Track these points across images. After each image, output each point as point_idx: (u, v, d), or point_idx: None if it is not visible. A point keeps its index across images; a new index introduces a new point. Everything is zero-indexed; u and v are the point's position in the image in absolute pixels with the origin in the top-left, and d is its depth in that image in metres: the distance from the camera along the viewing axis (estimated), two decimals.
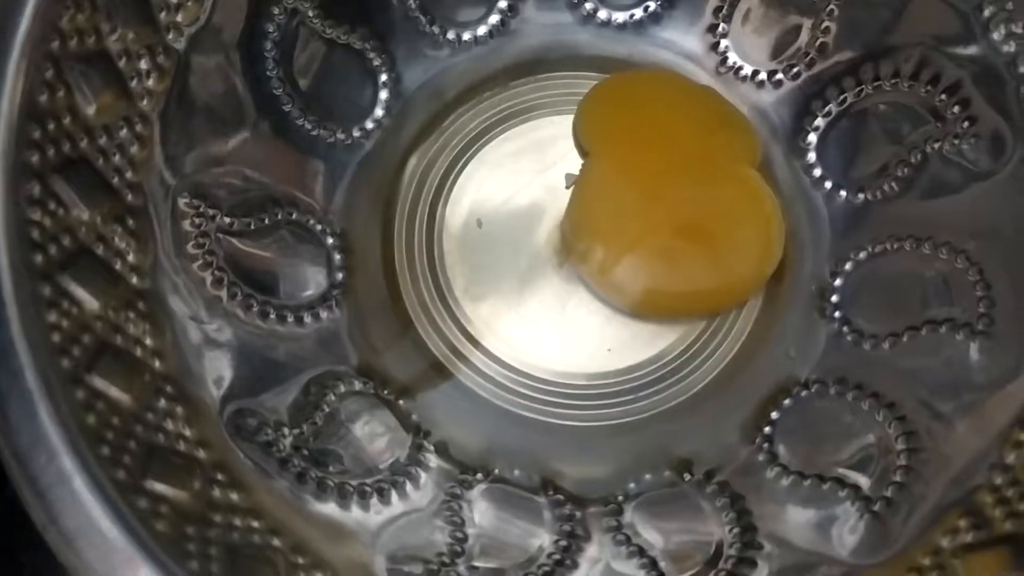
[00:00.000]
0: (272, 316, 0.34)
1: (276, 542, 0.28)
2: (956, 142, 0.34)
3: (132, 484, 0.26)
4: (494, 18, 0.39)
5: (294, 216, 0.35)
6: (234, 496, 0.28)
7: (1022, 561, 0.27)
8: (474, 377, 0.36)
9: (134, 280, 0.30)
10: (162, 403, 0.29)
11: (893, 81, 0.35)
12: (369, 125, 0.38)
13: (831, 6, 0.36)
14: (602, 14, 0.39)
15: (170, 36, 0.32)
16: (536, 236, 0.37)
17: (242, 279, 0.33)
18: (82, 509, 0.25)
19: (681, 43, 0.39)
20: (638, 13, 0.39)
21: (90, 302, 0.28)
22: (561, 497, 0.33)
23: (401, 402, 0.35)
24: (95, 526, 0.24)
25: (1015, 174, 0.33)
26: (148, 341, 0.30)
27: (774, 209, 0.35)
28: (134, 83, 0.31)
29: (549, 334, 0.36)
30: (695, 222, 0.35)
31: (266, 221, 0.35)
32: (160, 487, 0.26)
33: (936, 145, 0.34)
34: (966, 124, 0.34)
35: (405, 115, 0.38)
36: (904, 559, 0.29)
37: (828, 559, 0.30)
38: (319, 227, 0.36)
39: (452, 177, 0.38)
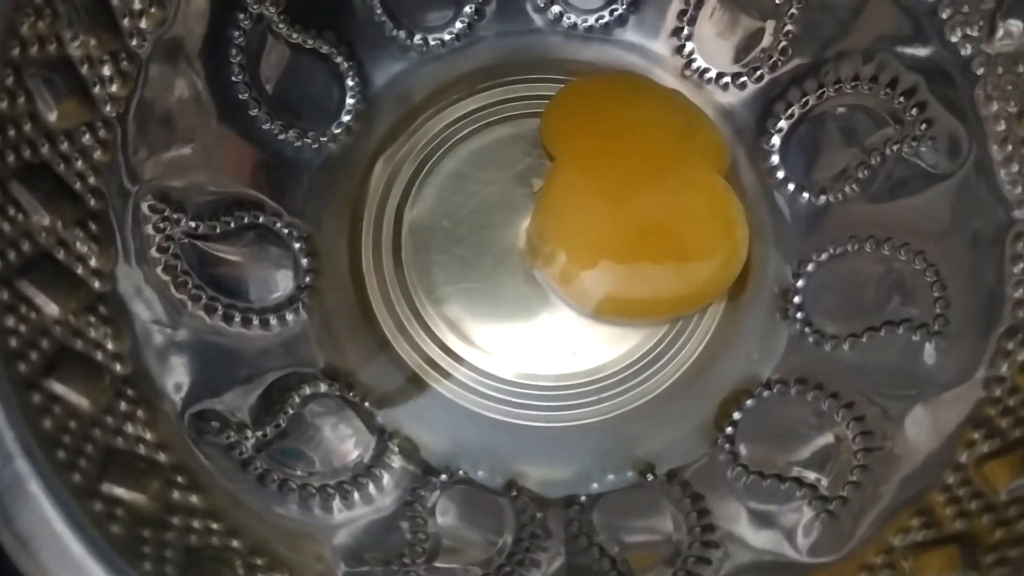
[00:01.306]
0: (237, 319, 0.34)
1: (235, 543, 0.29)
2: (914, 144, 0.34)
3: (88, 487, 0.26)
4: (460, 22, 0.39)
5: (260, 219, 0.36)
6: (193, 498, 0.29)
7: (971, 560, 0.28)
8: (439, 379, 0.36)
9: (96, 284, 0.30)
10: (122, 406, 0.29)
11: (853, 84, 0.36)
12: (336, 129, 0.38)
13: (792, 9, 0.36)
14: (568, 18, 0.40)
15: (133, 42, 0.32)
16: (502, 240, 0.37)
17: (207, 282, 0.34)
18: (37, 512, 0.25)
19: (646, 46, 0.40)
20: (604, 16, 0.40)
21: (50, 307, 0.28)
22: (524, 498, 0.34)
23: (366, 404, 0.35)
24: (50, 529, 0.25)
25: (970, 175, 0.33)
26: (109, 345, 0.30)
27: (739, 214, 0.36)
28: (96, 89, 0.31)
29: (514, 336, 0.37)
30: (660, 227, 0.35)
31: (232, 225, 0.35)
32: (117, 490, 0.27)
33: (895, 147, 0.35)
34: (924, 126, 0.34)
35: (372, 119, 0.39)
36: (856, 558, 0.30)
37: (784, 558, 0.31)
38: (286, 230, 0.36)
39: (419, 180, 0.38)
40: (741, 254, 0.35)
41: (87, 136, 0.31)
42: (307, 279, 0.36)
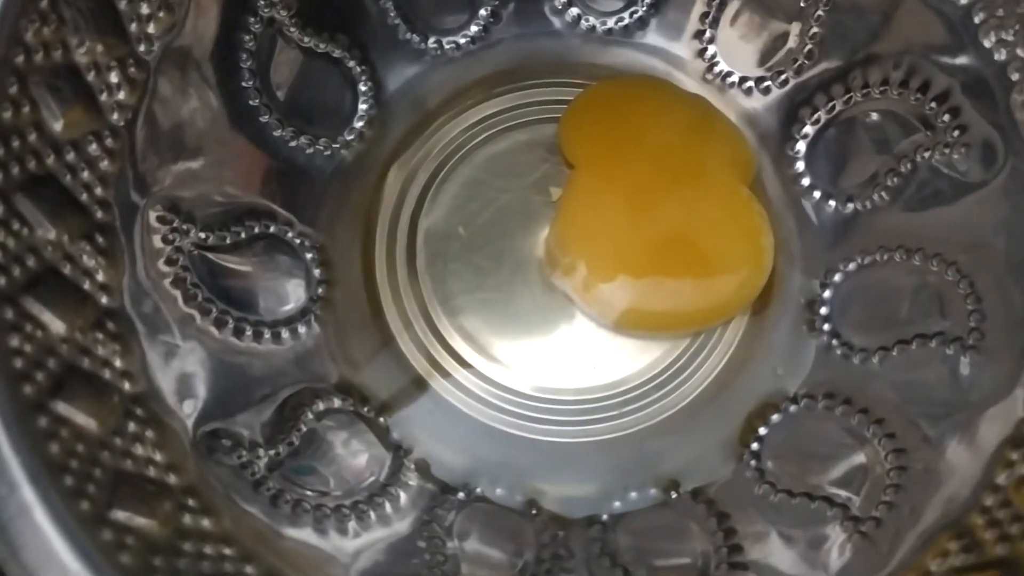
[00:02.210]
0: (248, 333, 0.33)
1: (248, 569, 0.28)
2: (946, 151, 0.33)
3: (96, 515, 0.25)
4: (476, 25, 0.38)
5: (272, 229, 0.35)
6: (205, 523, 0.28)
7: None
8: (456, 392, 0.35)
9: (104, 300, 0.29)
10: (131, 427, 0.28)
11: (882, 88, 0.35)
12: (349, 135, 0.37)
13: (819, 11, 0.35)
14: (587, 20, 0.39)
15: (141, 48, 0.31)
16: (519, 249, 0.36)
17: (217, 295, 0.33)
18: (43, 543, 0.24)
19: (667, 49, 0.39)
20: (624, 19, 0.39)
21: (56, 324, 0.27)
22: (545, 516, 0.33)
23: (381, 419, 0.34)
24: (56, 560, 0.24)
25: (1006, 185, 0.32)
26: (117, 363, 0.29)
27: (764, 226, 0.35)
28: (103, 97, 0.30)
29: (533, 348, 0.36)
30: (682, 238, 0.34)
31: (243, 235, 0.34)
32: (126, 517, 0.26)
33: (926, 154, 0.34)
34: (956, 133, 0.33)
35: (386, 125, 0.38)
36: None
37: None
38: (298, 240, 0.35)
39: (434, 187, 0.37)
40: (766, 267, 0.34)
41: (94, 146, 0.30)
42: (319, 290, 0.35)
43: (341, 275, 0.36)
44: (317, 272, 0.35)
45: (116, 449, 0.27)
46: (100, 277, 0.29)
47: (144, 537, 0.26)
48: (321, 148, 0.36)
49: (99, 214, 0.30)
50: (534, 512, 0.33)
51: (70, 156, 0.29)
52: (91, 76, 0.30)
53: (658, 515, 0.33)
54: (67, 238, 0.29)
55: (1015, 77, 0.32)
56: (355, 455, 0.33)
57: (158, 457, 0.28)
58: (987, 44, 0.32)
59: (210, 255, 0.33)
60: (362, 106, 0.37)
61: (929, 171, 0.34)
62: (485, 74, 0.38)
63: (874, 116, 0.35)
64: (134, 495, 0.27)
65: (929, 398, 0.32)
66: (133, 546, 0.25)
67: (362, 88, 0.37)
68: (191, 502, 0.28)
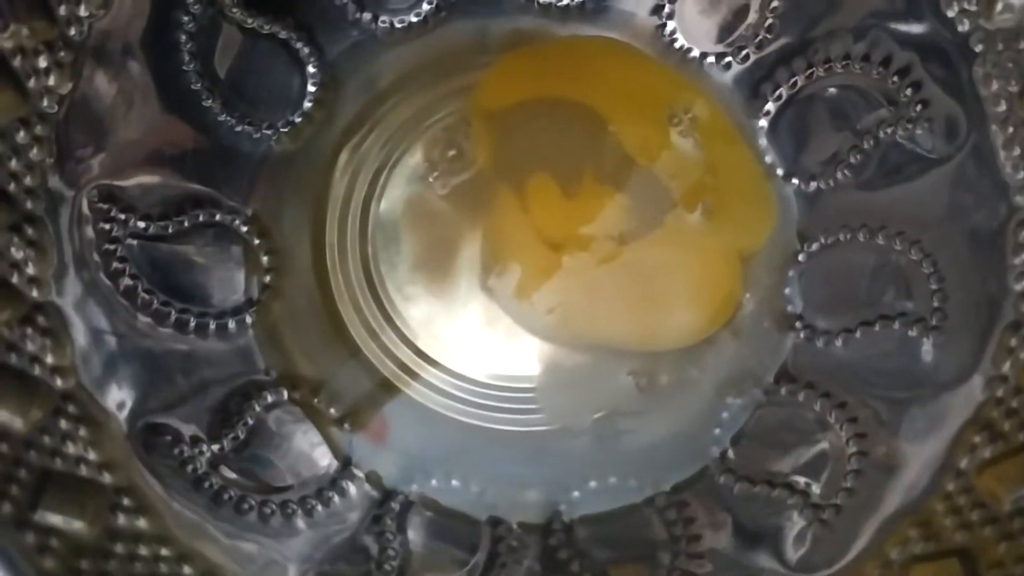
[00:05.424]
0: (191, 325, 0.32)
1: (186, 570, 0.27)
2: (909, 127, 0.32)
3: (19, 517, 0.24)
4: (427, 3, 0.37)
5: (216, 217, 0.33)
6: (140, 522, 0.27)
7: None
8: (410, 382, 0.34)
9: (33, 293, 0.28)
10: (62, 424, 0.27)
11: (844, 63, 0.34)
12: (297, 119, 0.36)
13: None
14: None
15: (71, 31, 0.30)
16: (474, 234, 0.35)
17: (158, 287, 0.32)
18: None
19: (627, 24, 0.37)
20: None
21: None
22: (499, 508, 0.32)
23: (332, 410, 0.33)
24: None
25: (969, 160, 0.31)
26: (48, 358, 0.28)
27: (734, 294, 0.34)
28: (31, 82, 0.29)
29: (488, 335, 0.35)
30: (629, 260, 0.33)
31: (185, 224, 0.33)
32: (53, 518, 0.25)
33: (889, 130, 0.33)
34: (919, 108, 0.32)
35: (335, 107, 0.36)
36: (852, 572, 0.28)
37: (775, 573, 0.29)
38: (244, 228, 0.34)
39: (386, 171, 0.36)
40: (722, 319, 0.33)
41: (22, 133, 0.29)
42: (267, 279, 0.34)
43: (289, 264, 0.35)
44: (264, 260, 0.34)
45: (44, 448, 0.26)
46: (29, 270, 0.29)
47: (71, 539, 0.25)
48: (268, 133, 0.35)
49: (28, 204, 0.29)
50: (488, 503, 0.32)
51: None
52: (17, 61, 0.29)
53: (615, 503, 0.32)
54: None
55: (978, 49, 0.31)
56: (309, 447, 0.33)
57: (91, 455, 0.27)
58: (950, 14, 0.31)
59: (151, 245, 0.32)
60: (310, 88, 0.36)
61: (892, 147, 0.33)
62: (438, 53, 0.37)
63: (835, 91, 0.34)
64: (62, 495, 0.26)
65: (891, 381, 0.31)
66: (58, 549, 0.24)
67: (310, 70, 0.36)
68: (126, 501, 0.27)
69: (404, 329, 0.35)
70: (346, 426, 0.33)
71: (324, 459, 0.32)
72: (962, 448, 0.28)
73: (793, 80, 0.35)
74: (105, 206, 0.31)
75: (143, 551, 0.26)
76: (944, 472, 0.28)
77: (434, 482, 0.33)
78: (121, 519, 0.27)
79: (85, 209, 0.30)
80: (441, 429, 0.34)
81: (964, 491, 0.28)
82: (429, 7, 0.37)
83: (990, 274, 0.30)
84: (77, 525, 0.25)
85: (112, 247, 0.31)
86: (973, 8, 0.31)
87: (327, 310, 0.35)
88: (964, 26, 0.31)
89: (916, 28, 0.32)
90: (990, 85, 0.31)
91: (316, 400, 0.33)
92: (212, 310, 0.33)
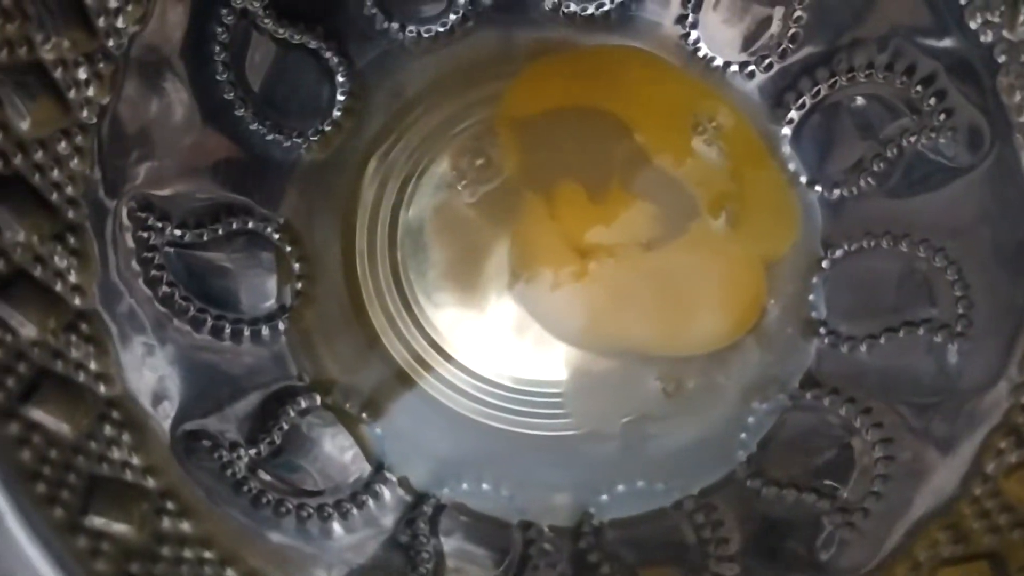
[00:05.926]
0: (226, 331, 0.32)
1: (229, 572, 0.27)
2: (933, 136, 0.33)
3: (71, 522, 0.25)
4: (454, 13, 0.37)
5: (249, 225, 0.34)
6: (184, 526, 0.27)
7: None
8: (440, 387, 0.35)
9: (76, 301, 0.29)
10: (107, 430, 0.28)
11: (867, 72, 0.34)
12: (327, 127, 0.36)
13: None
14: (568, 6, 0.38)
15: (110, 42, 0.31)
16: (501, 241, 0.36)
17: (194, 293, 0.32)
18: (16, 551, 0.24)
19: (651, 34, 0.38)
20: (605, 4, 0.38)
21: (26, 328, 0.27)
22: (529, 512, 0.32)
23: (364, 415, 0.34)
24: (30, 568, 0.24)
25: (993, 169, 0.32)
26: (92, 365, 0.28)
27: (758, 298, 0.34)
28: (72, 93, 0.30)
29: (517, 340, 0.35)
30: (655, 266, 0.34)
31: (220, 231, 0.33)
32: (102, 522, 0.25)
33: (912, 139, 0.33)
34: (942, 117, 0.33)
35: (364, 116, 0.37)
36: (881, 575, 0.28)
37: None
38: (276, 236, 0.34)
39: (415, 179, 0.37)
40: (746, 325, 0.34)
41: (63, 144, 0.29)
42: (299, 286, 0.34)
43: (321, 270, 0.35)
44: (296, 267, 0.34)
45: (91, 453, 0.27)
46: (72, 278, 0.29)
47: (120, 543, 0.25)
48: (299, 141, 0.36)
49: (70, 214, 0.29)
50: (519, 507, 0.32)
51: (38, 155, 0.29)
52: (58, 73, 0.29)
53: (645, 507, 0.33)
54: (37, 239, 0.28)
55: (1001, 59, 0.31)
56: (339, 452, 0.33)
57: (135, 460, 0.28)
58: (973, 26, 0.32)
59: (186, 253, 0.33)
60: (340, 97, 0.36)
61: (915, 156, 0.33)
62: (464, 62, 0.38)
63: (859, 100, 0.35)
64: (110, 500, 0.26)
65: (917, 387, 0.31)
66: (109, 552, 0.25)
67: (339, 79, 0.36)
68: (170, 505, 0.28)
69: (433, 335, 0.35)
70: (378, 430, 0.33)
71: (357, 463, 0.32)
72: (989, 453, 0.29)
73: (816, 89, 0.35)
74: (144, 215, 0.31)
75: (188, 554, 0.27)
76: (971, 477, 0.29)
77: (465, 486, 0.33)
78: (166, 523, 0.27)
79: (125, 218, 0.31)
80: (471, 434, 0.34)
81: (992, 495, 0.28)
82: (455, 17, 0.37)
83: (1015, 282, 0.31)
84: (126, 529, 0.26)
85: (150, 255, 0.31)
86: (996, 20, 0.31)
87: (358, 316, 0.35)
88: (988, 37, 0.31)
89: (940, 39, 0.32)
90: (1013, 95, 0.31)
91: (348, 404, 0.33)
92: (246, 316, 0.33)
